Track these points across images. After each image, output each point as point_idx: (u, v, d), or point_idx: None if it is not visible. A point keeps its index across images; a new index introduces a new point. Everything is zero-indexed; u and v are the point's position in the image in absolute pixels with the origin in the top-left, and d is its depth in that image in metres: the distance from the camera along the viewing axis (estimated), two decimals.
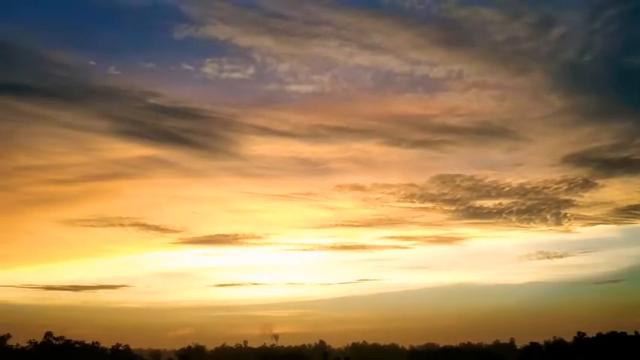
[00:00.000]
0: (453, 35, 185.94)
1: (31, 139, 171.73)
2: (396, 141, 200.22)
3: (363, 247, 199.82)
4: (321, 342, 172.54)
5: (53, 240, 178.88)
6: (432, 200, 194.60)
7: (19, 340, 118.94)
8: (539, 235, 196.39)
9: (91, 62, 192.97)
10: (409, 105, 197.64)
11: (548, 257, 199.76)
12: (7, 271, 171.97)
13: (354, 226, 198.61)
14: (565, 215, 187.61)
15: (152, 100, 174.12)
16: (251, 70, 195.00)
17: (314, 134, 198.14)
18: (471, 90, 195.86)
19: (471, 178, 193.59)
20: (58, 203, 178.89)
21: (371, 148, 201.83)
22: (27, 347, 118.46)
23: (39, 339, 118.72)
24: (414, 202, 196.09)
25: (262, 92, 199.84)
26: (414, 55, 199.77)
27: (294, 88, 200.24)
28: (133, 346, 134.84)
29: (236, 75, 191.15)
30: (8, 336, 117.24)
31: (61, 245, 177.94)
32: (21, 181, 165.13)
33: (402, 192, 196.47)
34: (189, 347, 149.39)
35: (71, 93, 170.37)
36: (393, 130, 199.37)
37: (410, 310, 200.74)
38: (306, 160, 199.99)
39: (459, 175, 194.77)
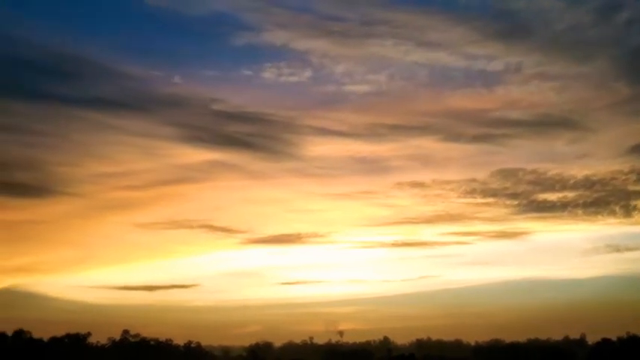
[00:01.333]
0: (510, 27, 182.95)
1: (104, 148, 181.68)
2: (455, 137, 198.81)
3: (424, 244, 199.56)
4: (385, 338, 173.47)
5: (127, 243, 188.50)
6: (494, 195, 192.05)
7: (99, 337, 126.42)
8: (607, 228, 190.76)
9: (157, 73, 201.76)
10: (467, 100, 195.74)
11: (618, 250, 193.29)
12: (86, 272, 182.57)
13: (414, 223, 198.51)
14: (635, 207, 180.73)
15: (215, 107, 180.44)
16: (308, 73, 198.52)
17: (372, 133, 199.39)
18: (530, 82, 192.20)
19: (534, 171, 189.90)
20: (130, 208, 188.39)
21: (429, 145, 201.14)
22: (106, 345, 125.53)
23: (117, 337, 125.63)
24: (475, 197, 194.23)
25: (320, 94, 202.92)
26: (470, 49, 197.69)
27: (351, 88, 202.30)
28: (203, 343, 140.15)
29: (294, 78, 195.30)
30: (89, 334, 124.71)
31: (135, 247, 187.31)
32: (96, 188, 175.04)
33: (463, 187, 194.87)
34: (257, 344, 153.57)
35: (139, 103, 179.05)
36: (451, 125, 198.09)
37: (474, 306, 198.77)
38: (365, 158, 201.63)
39: (520, 169, 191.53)
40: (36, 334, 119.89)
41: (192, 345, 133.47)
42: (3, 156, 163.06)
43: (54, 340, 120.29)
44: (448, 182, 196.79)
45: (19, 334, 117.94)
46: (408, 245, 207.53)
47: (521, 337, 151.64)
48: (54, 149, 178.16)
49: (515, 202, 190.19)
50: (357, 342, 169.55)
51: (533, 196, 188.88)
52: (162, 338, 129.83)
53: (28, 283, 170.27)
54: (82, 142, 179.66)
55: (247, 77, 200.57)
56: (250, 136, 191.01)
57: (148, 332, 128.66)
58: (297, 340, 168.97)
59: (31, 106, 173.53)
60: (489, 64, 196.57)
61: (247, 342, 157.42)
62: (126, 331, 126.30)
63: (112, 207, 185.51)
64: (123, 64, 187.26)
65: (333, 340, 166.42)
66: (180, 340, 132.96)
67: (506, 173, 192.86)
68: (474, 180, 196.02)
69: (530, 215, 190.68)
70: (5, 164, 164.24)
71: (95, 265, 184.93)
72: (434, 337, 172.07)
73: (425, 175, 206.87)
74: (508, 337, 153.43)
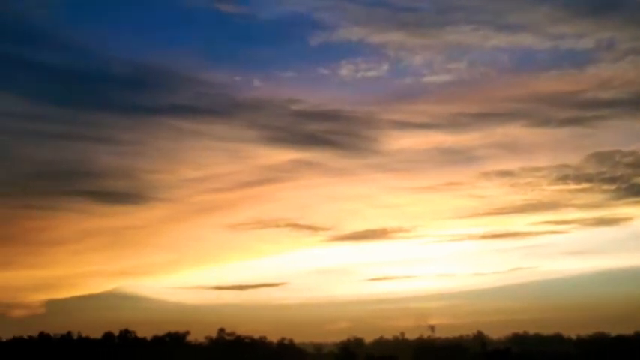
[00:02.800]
0: (599, 2, 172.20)
1: (192, 153, 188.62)
2: (543, 121, 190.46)
3: (515, 235, 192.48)
4: (479, 332, 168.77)
5: (217, 244, 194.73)
6: (589, 180, 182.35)
7: (196, 336, 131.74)
8: None
9: (237, 78, 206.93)
10: (554, 82, 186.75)
11: None
12: (180, 274, 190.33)
13: (503, 213, 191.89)
14: None
15: (294, 107, 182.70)
16: (386, 67, 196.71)
17: (454, 123, 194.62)
18: (624, 58, 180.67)
19: (632, 153, 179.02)
20: (219, 210, 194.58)
21: (516, 132, 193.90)
22: (204, 343, 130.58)
23: (213, 335, 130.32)
24: (568, 183, 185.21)
25: (398, 87, 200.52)
26: (555, 29, 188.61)
27: (430, 79, 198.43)
28: (296, 340, 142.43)
29: (371, 73, 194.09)
30: (188, 333, 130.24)
31: (225, 248, 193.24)
32: (186, 192, 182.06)
33: (554, 174, 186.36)
34: (348, 340, 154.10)
35: (222, 108, 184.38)
36: (539, 110, 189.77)
37: (572, 298, 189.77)
38: (449, 149, 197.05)
39: (617, 152, 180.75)
40: (140, 334, 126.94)
41: (285, 342, 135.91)
42: (100, 167, 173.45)
43: (156, 339, 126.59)
44: (538, 169, 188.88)
45: (125, 333, 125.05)
46: (498, 237, 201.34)
47: (628, 330, 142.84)
48: (145, 158, 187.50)
49: (613, 187, 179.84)
50: (450, 337, 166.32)
51: (633, 180, 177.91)
52: (256, 336, 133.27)
53: (130, 285, 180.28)
54: (170, 150, 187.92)
55: (325, 76, 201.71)
56: (331, 133, 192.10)
57: (241, 330, 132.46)
58: (388, 336, 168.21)
59: (121, 118, 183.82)
60: (578, 43, 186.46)
61: (338, 338, 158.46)
62: (222, 330, 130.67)
63: (202, 210, 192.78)
64: (204, 72, 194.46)
65: (425, 335, 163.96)
66: (273, 338, 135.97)
67: (601, 157, 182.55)
68: (566, 166, 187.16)
69: (630, 200, 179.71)
70: (102, 174, 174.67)
71: (189, 266, 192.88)
72: (531, 331, 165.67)
73: (512, 164, 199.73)
74: (613, 330, 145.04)
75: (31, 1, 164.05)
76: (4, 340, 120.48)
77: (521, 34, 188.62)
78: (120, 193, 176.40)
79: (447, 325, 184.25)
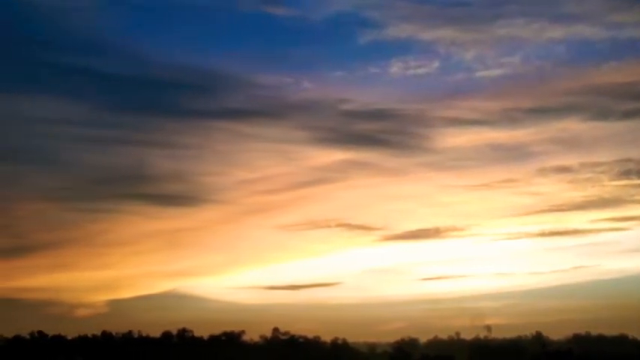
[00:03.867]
0: None
1: (243, 156, 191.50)
2: (603, 114, 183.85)
3: (575, 232, 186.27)
4: (538, 333, 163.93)
5: (270, 244, 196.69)
6: None
7: (251, 335, 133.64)
8: None
9: (287, 79, 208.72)
10: (614, 74, 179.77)
11: None
12: (235, 274, 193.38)
13: (562, 210, 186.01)
14: None
15: (344, 107, 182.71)
16: (436, 64, 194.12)
17: (508, 118, 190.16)
18: None
19: None
20: (271, 211, 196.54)
21: (573, 126, 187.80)
22: (259, 342, 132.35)
23: (268, 335, 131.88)
24: (631, 178, 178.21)
25: (450, 83, 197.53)
26: (614, 18, 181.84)
27: (482, 74, 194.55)
28: (349, 340, 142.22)
29: (422, 70, 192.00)
30: (243, 332, 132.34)
31: (277, 249, 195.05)
32: (240, 193, 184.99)
33: (616, 169, 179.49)
34: (402, 340, 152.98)
35: (273, 110, 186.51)
36: (598, 103, 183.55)
37: (637, 297, 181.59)
38: (503, 146, 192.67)
39: None
40: (197, 333, 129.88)
41: (339, 342, 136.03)
42: (157, 171, 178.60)
43: (213, 338, 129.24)
44: (598, 164, 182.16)
45: (183, 332, 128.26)
46: (557, 234, 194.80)
47: None
48: (200, 161, 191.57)
49: None
50: (507, 337, 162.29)
51: None
52: (310, 335, 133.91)
53: (186, 285, 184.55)
54: (223, 152, 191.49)
55: (374, 74, 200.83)
56: (381, 132, 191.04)
57: (295, 330, 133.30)
58: (443, 336, 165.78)
59: (176, 122, 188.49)
60: (638, 32, 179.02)
61: (392, 338, 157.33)
62: (276, 329, 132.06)
63: (255, 211, 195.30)
64: (255, 75, 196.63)
65: (481, 336, 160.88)
66: (327, 337, 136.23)
67: None
68: (628, 160, 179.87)
69: None
70: (158, 178, 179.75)
71: (243, 266, 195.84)
72: (593, 332, 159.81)
73: (571, 159, 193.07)
74: None
75: (89, 12, 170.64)
76: (70, 338, 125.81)
77: (578, 24, 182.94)
78: (176, 195, 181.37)
79: (504, 325, 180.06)
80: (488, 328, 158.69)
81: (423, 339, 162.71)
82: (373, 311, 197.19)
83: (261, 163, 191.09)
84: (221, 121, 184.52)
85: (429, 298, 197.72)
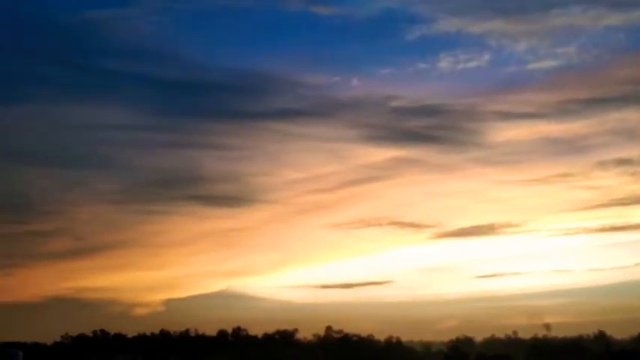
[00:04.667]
0: None
1: (293, 155, 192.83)
2: None
3: (637, 227, 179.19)
4: (601, 332, 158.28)
5: (322, 243, 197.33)
6: None
7: (305, 334, 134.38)
8: None
9: (336, 78, 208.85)
10: None
11: None
12: (287, 273, 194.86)
13: (623, 204, 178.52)
14: None
15: (393, 104, 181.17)
16: (487, 57, 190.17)
17: (563, 111, 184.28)
18: None
19: None
20: (322, 210, 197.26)
21: (634, 116, 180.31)
22: (312, 341, 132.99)
23: (321, 333, 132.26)
24: None
25: (501, 76, 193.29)
26: None
27: (535, 66, 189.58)
28: (403, 339, 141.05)
29: (472, 64, 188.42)
30: (296, 331, 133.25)
31: (329, 247, 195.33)
32: (291, 193, 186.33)
33: None
34: (457, 339, 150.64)
35: (322, 110, 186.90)
36: None
37: None
38: (558, 139, 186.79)
39: None
40: (251, 332, 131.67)
41: (393, 340, 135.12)
42: (208, 172, 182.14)
43: (266, 337, 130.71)
44: None
45: (238, 331, 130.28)
46: (619, 229, 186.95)
47: None
48: (250, 161, 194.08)
49: None
50: (567, 336, 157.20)
51: None
52: (364, 334, 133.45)
53: (239, 284, 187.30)
54: (274, 153, 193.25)
55: (423, 70, 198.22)
56: (431, 129, 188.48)
57: (348, 328, 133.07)
58: (500, 335, 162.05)
59: (227, 124, 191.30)
60: None
61: (447, 337, 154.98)
62: (329, 328, 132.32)
63: (306, 210, 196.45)
64: (303, 75, 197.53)
65: (540, 334, 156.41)
66: (380, 336, 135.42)
67: None
68: None
69: None
70: (211, 179, 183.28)
71: (295, 265, 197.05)
72: None
73: (631, 151, 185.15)
74: None
75: (136, 18, 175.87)
76: (130, 336, 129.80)
77: (638, 10, 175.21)
78: (228, 196, 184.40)
79: (564, 323, 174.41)
80: (548, 326, 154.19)
81: (479, 338, 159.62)
82: (427, 310, 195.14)
83: (311, 162, 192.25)
84: (271, 121, 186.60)
85: (484, 296, 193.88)
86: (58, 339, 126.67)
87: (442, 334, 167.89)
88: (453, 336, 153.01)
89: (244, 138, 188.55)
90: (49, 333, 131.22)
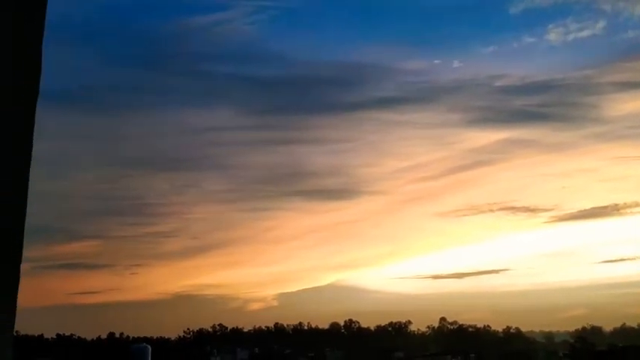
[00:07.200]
0: None
1: (396, 144, 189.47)
2: None
3: None
4: None
5: (430, 232, 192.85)
6: None
7: (418, 325, 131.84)
8: None
9: (436, 61, 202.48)
10: None
11: None
12: (397, 264, 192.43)
13: None
14: None
15: (498, 83, 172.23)
16: (601, 23, 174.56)
17: None
18: None
19: None
20: (429, 198, 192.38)
21: None
22: (426, 332, 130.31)
23: (435, 324, 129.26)
24: None
25: (618, 44, 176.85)
26: None
27: None
28: (523, 329, 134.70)
29: (585, 33, 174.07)
30: (409, 322, 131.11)
31: (438, 236, 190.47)
32: (397, 183, 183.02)
33: None
34: (583, 328, 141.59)
35: (424, 95, 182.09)
36: None
37: None
38: None
39: None
40: (363, 324, 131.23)
41: (512, 330, 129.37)
42: (313, 166, 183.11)
43: (380, 329, 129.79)
44: None
45: (350, 323, 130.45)
46: None
47: None
48: (354, 153, 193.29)
49: None
50: None
51: None
52: (480, 324, 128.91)
53: (349, 277, 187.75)
54: (376, 142, 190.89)
55: (530, 45, 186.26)
56: (542, 106, 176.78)
57: (463, 319, 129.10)
58: (632, 324, 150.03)
59: (329, 118, 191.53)
60: None
61: (572, 327, 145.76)
62: (443, 319, 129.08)
63: (413, 199, 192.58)
64: (402, 61, 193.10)
65: None
66: (497, 326, 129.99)
67: None
68: None
69: None
70: (316, 173, 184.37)
71: (404, 256, 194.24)
72: None
73: None
74: None
75: (235, 21, 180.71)
76: (246, 330, 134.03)
77: None
78: (334, 189, 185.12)
79: None
80: None
81: (608, 327, 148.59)
82: (547, 298, 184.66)
83: (415, 150, 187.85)
84: (371, 111, 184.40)
85: (611, 282, 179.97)
86: (181, 334, 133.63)
87: (565, 323, 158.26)
88: (578, 325, 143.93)
89: (347, 130, 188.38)
90: (172, 328, 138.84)
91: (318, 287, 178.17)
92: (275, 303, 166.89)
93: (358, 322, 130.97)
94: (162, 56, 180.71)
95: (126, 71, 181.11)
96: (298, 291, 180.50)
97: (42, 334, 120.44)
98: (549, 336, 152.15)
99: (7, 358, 1.75)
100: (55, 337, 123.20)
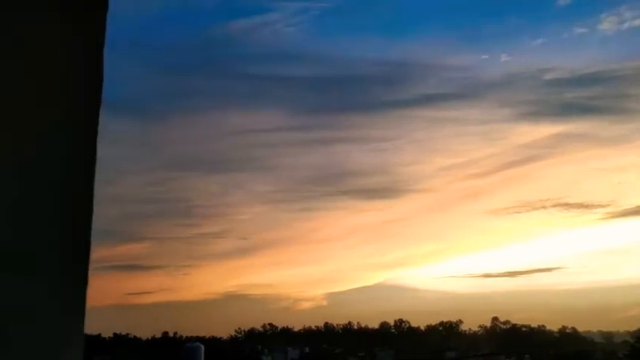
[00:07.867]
0: None
1: (444, 141, 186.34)
2: None
3: None
4: None
5: (480, 230, 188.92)
6: None
7: (470, 325, 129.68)
8: None
9: (483, 56, 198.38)
10: None
11: None
12: (446, 263, 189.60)
13: None
14: None
15: (548, 76, 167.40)
16: None
17: None
18: None
19: None
20: (479, 196, 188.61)
21: None
22: (478, 332, 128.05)
23: (487, 324, 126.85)
24: None
25: None
26: None
27: None
28: (580, 329, 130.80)
29: None
30: (460, 322, 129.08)
31: (489, 234, 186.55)
32: (444, 180, 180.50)
33: None
34: None
35: (470, 91, 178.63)
36: None
37: None
38: None
39: None
40: (413, 323, 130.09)
41: (568, 330, 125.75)
42: (358, 166, 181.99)
43: (430, 328, 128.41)
44: None
45: (400, 323, 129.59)
46: None
47: None
48: (400, 151, 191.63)
49: None
50: None
51: None
52: (534, 324, 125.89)
53: (398, 276, 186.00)
54: (422, 140, 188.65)
55: (581, 35, 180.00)
56: (595, 99, 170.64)
57: (516, 319, 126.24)
58: None
59: (373, 116, 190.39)
60: None
61: (632, 327, 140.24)
62: (495, 318, 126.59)
63: (462, 197, 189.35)
64: (447, 57, 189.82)
65: None
66: (553, 326, 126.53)
67: None
68: None
69: None
70: (362, 172, 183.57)
71: (454, 254, 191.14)
72: None
73: None
74: None
75: (278, 22, 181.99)
76: (295, 330, 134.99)
77: None
78: (380, 188, 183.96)
79: None
80: None
81: None
82: (604, 297, 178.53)
83: (463, 147, 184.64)
84: (416, 108, 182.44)
85: None
86: (233, 333, 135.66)
87: (625, 323, 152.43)
88: (638, 325, 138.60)
89: (392, 128, 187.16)
90: (224, 327, 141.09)
91: (367, 287, 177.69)
92: (324, 302, 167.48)
93: (408, 322, 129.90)
94: (207, 60, 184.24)
95: (171, 76, 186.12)
96: (347, 290, 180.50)
97: (99, 334, 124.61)
98: (608, 336, 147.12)
99: (78, 359, 1.80)
100: (112, 336, 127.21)
